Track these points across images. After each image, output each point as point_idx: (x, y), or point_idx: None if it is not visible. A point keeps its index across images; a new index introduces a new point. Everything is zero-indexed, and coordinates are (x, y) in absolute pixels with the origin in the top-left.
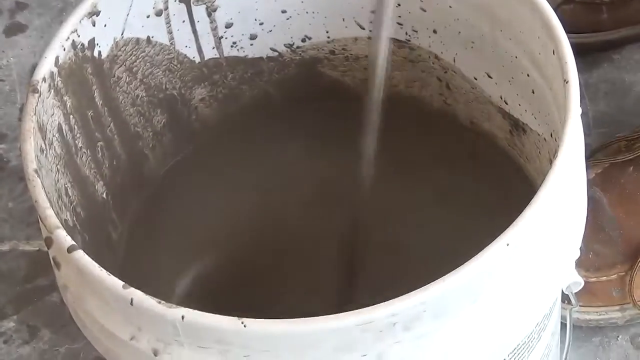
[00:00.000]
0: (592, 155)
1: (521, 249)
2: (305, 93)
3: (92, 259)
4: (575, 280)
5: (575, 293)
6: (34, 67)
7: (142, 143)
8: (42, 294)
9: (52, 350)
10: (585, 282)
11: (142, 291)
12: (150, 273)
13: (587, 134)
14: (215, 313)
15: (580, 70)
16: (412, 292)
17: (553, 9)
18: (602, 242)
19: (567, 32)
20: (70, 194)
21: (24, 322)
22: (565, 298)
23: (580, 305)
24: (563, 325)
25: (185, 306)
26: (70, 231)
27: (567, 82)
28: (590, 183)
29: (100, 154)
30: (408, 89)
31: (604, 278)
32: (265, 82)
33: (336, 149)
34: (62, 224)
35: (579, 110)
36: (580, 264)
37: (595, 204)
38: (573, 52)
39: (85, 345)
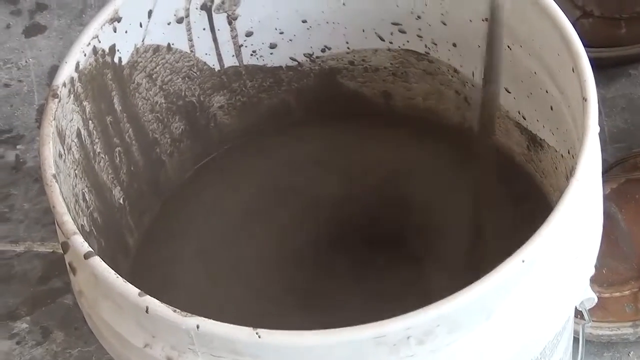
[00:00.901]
0: (607, 171)
1: (537, 266)
2: (323, 103)
3: (108, 264)
4: (588, 297)
5: (589, 309)
6: (52, 69)
7: (159, 149)
8: (55, 296)
9: (64, 353)
10: (599, 298)
11: (158, 298)
12: (165, 279)
13: (603, 149)
14: (231, 321)
15: (597, 84)
16: (427, 306)
17: (571, 22)
18: (616, 257)
19: (585, 46)
20: (87, 199)
21: (37, 324)
22: (578, 313)
23: (592, 321)
24: (575, 340)
25: (201, 313)
26: (86, 236)
27: (585, 100)
28: (606, 198)
29: (118, 159)
30: (426, 101)
31: (617, 294)
32: (284, 91)
33: (353, 159)
34: (78, 229)
35: (597, 128)
36: (593, 279)
37: (610, 219)
38: (591, 66)
39: (97, 349)
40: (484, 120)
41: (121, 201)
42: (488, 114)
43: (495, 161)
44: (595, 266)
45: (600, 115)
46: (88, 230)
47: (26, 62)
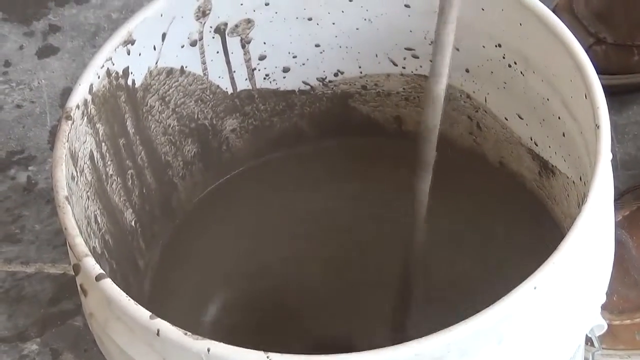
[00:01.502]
0: (619, 198)
1: (548, 292)
2: (336, 127)
3: (119, 286)
4: (598, 324)
5: (599, 336)
6: (65, 90)
7: (172, 172)
8: (66, 318)
9: None
10: (609, 325)
11: (169, 320)
12: (177, 302)
13: (614, 175)
14: (242, 344)
15: (610, 111)
16: (438, 332)
17: (584, 49)
18: (627, 285)
19: (598, 73)
20: (99, 221)
21: (47, 345)
22: (588, 340)
23: (603, 348)
24: None
25: (212, 336)
26: (98, 258)
27: (598, 127)
28: (617, 225)
29: (130, 182)
30: None
31: (628, 321)
32: (296, 115)
33: (365, 183)
34: (90, 251)
35: (610, 156)
36: (604, 307)
37: (621, 246)
38: (604, 92)
39: None
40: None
41: (133, 224)
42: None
43: (506, 187)
44: (606, 293)
45: (612, 142)
46: (100, 252)
47: (39, 83)
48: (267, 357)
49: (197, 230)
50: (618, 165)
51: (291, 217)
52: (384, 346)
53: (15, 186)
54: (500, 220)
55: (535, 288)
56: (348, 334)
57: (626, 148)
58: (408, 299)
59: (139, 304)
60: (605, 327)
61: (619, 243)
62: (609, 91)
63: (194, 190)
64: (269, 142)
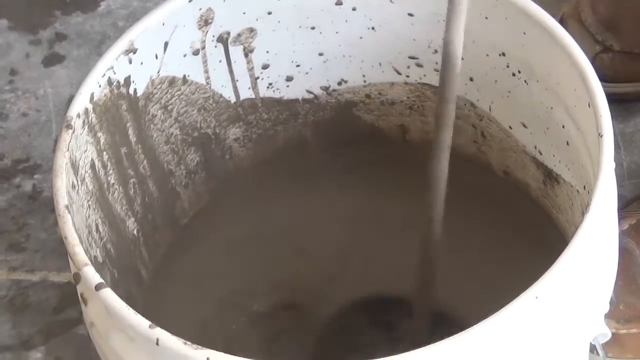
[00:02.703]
0: (625, 206)
1: (550, 302)
2: (339, 136)
3: (121, 294)
4: (602, 332)
5: (605, 344)
6: (70, 98)
7: (174, 181)
8: (70, 326)
9: None
10: (616, 334)
11: (170, 328)
12: (179, 310)
13: (621, 184)
14: (244, 352)
15: (616, 119)
16: (438, 342)
17: (591, 57)
18: (634, 293)
19: (605, 81)
20: (100, 230)
21: (51, 354)
22: (593, 348)
23: (609, 357)
24: None
25: (213, 344)
26: (99, 267)
27: (601, 136)
28: (623, 234)
29: (132, 191)
30: None
31: (635, 330)
32: (300, 124)
33: (370, 191)
34: (91, 260)
35: (613, 165)
36: (610, 315)
37: (627, 255)
38: (610, 101)
39: None
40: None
41: (135, 232)
42: None
43: (511, 196)
44: (612, 302)
45: (618, 150)
46: (101, 261)
47: (44, 91)
48: None
49: (200, 239)
50: (625, 174)
51: (295, 225)
52: None
53: (20, 194)
54: (504, 229)
55: (536, 298)
56: (351, 344)
57: (633, 156)
58: (418, 311)
59: (141, 312)
60: (610, 335)
61: (625, 251)
62: (616, 99)
63: (197, 199)
64: (272, 151)
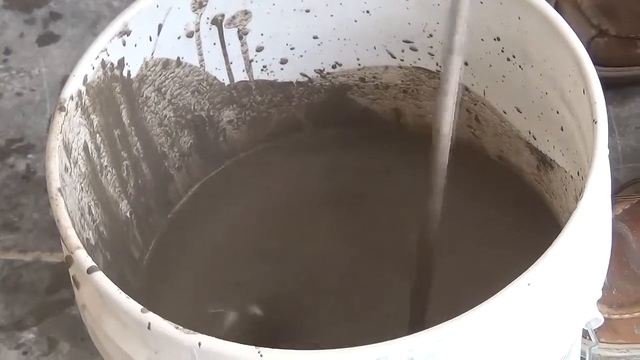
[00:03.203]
0: (620, 191)
1: (542, 288)
2: (333, 119)
3: (114, 277)
4: (594, 317)
5: (598, 329)
6: (65, 78)
7: (168, 163)
8: (63, 307)
9: None
10: (608, 319)
11: (163, 311)
12: (172, 293)
13: (615, 168)
14: (238, 335)
15: (611, 103)
16: (430, 328)
17: (586, 41)
18: (627, 278)
19: (600, 65)
20: (93, 212)
21: (44, 334)
22: (586, 333)
23: (602, 342)
24: None
25: (208, 328)
26: (92, 250)
27: (595, 122)
28: (617, 219)
29: (125, 173)
30: None
31: (627, 315)
32: (294, 107)
33: (363, 175)
34: (84, 242)
35: (607, 151)
36: (603, 300)
37: (620, 240)
38: (605, 85)
39: None
40: None
41: (128, 215)
42: None
43: (505, 180)
44: (605, 287)
45: (613, 134)
46: (94, 243)
47: (39, 71)
48: (259, 352)
49: (193, 221)
50: (619, 158)
51: (288, 208)
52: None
53: (14, 174)
54: (498, 214)
55: (529, 284)
56: (350, 326)
57: (628, 141)
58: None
59: (134, 295)
60: (602, 320)
61: (619, 236)
62: (611, 83)
63: (190, 181)
64: (266, 134)
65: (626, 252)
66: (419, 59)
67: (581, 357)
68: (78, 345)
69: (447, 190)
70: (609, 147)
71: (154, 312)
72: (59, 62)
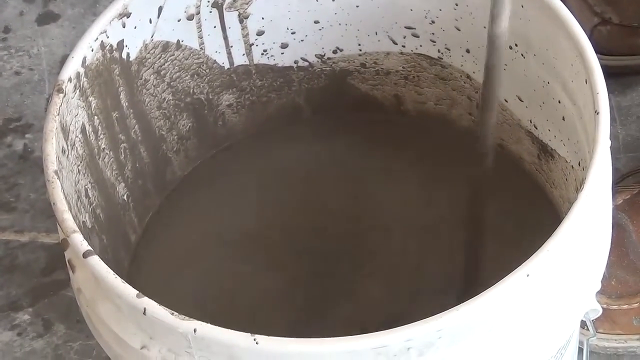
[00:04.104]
0: (621, 181)
1: (541, 280)
2: (333, 104)
3: (110, 260)
4: (593, 308)
5: (596, 320)
6: (64, 58)
7: (166, 146)
8: (58, 288)
9: (65, 346)
10: (607, 310)
11: (158, 295)
12: (167, 276)
13: (616, 158)
14: (232, 320)
15: (613, 92)
16: (428, 318)
17: (589, 30)
18: (626, 269)
19: (603, 54)
20: (90, 195)
21: (39, 315)
22: (584, 324)
23: (600, 332)
24: (580, 351)
25: (201, 312)
26: (88, 233)
27: (597, 113)
28: (617, 209)
29: (123, 155)
30: (437, 106)
31: (626, 306)
32: (294, 92)
33: (361, 161)
34: (80, 225)
35: (608, 142)
36: (602, 291)
37: (620, 230)
38: (607, 74)
39: (99, 343)
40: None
41: (125, 198)
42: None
43: (505, 169)
44: (605, 277)
45: (614, 123)
46: (90, 226)
47: (38, 50)
48: (254, 339)
49: (191, 204)
50: (620, 147)
51: (286, 193)
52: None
53: (11, 154)
54: (498, 203)
55: (527, 275)
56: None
57: (629, 130)
58: None
59: (129, 278)
60: (600, 311)
61: (618, 227)
62: (613, 72)
63: (188, 164)
64: (265, 118)
65: (626, 242)
66: (421, 46)
67: (579, 348)
68: (73, 327)
69: (446, 177)
70: (610, 136)
71: (148, 296)
72: (58, 41)
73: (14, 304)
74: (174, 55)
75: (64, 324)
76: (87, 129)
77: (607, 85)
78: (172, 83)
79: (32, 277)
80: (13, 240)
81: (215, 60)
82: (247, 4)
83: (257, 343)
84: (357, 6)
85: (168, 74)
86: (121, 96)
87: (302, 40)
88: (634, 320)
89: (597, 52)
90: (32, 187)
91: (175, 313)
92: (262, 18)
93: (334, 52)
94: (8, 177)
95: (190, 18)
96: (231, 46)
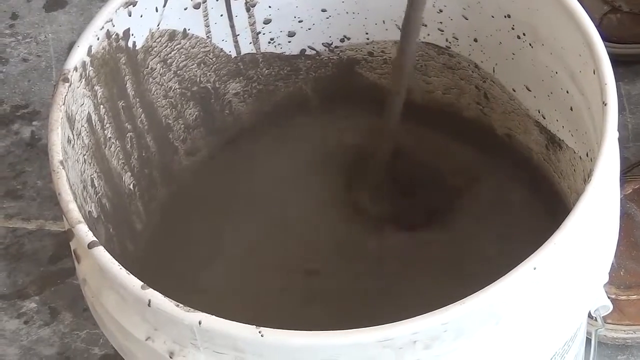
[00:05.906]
0: (630, 170)
1: (548, 272)
2: (340, 93)
3: (116, 249)
4: (603, 304)
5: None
6: (71, 45)
7: (172, 135)
8: (65, 276)
9: (72, 334)
10: (615, 300)
11: (164, 284)
12: (173, 266)
13: (625, 147)
14: (237, 311)
15: (623, 80)
16: (434, 311)
17: (598, 18)
18: (635, 259)
19: (612, 42)
20: (96, 184)
21: (46, 304)
22: (591, 315)
23: (608, 323)
24: (588, 341)
25: (207, 302)
26: (94, 222)
27: (605, 104)
28: (626, 199)
29: (129, 145)
30: (445, 95)
31: (634, 297)
32: (301, 80)
33: (368, 149)
34: (85, 215)
35: (616, 134)
36: (611, 281)
37: (629, 220)
38: (617, 62)
39: None
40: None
41: (131, 187)
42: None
43: (513, 159)
44: (613, 267)
45: (624, 112)
46: (96, 216)
47: (45, 37)
48: (259, 332)
49: (197, 194)
50: (629, 136)
51: (292, 182)
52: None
53: (18, 141)
54: (505, 193)
55: (535, 269)
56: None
57: (638, 119)
58: None
59: (135, 268)
60: (611, 307)
61: (627, 217)
62: (623, 60)
63: (194, 153)
64: (272, 107)
65: (635, 232)
66: (428, 35)
67: (587, 339)
68: (80, 316)
69: (454, 167)
70: (618, 125)
71: (155, 285)
72: (65, 28)
73: (21, 292)
74: (180, 43)
75: (70, 312)
76: (93, 118)
77: (616, 73)
78: (178, 72)
79: (39, 265)
80: (20, 228)
81: (222, 49)
82: None
83: (262, 335)
84: None
85: (174, 63)
86: (127, 85)
87: (309, 29)
88: None
89: (606, 40)
90: (39, 175)
91: (181, 305)
92: (269, 6)
93: (342, 40)
94: (15, 165)
95: (196, 6)
96: (238, 34)
